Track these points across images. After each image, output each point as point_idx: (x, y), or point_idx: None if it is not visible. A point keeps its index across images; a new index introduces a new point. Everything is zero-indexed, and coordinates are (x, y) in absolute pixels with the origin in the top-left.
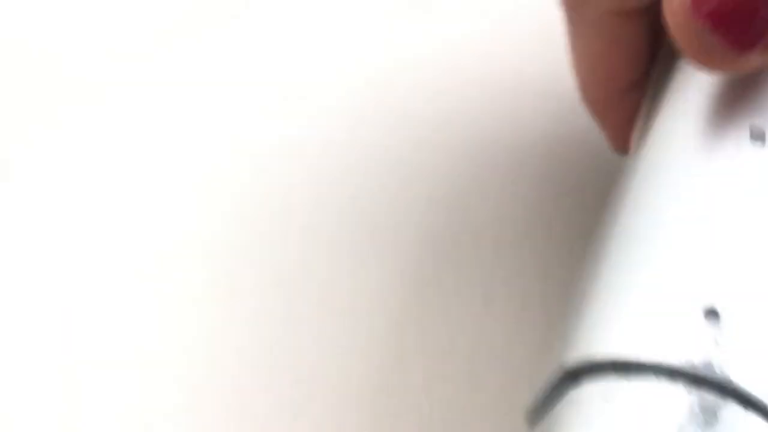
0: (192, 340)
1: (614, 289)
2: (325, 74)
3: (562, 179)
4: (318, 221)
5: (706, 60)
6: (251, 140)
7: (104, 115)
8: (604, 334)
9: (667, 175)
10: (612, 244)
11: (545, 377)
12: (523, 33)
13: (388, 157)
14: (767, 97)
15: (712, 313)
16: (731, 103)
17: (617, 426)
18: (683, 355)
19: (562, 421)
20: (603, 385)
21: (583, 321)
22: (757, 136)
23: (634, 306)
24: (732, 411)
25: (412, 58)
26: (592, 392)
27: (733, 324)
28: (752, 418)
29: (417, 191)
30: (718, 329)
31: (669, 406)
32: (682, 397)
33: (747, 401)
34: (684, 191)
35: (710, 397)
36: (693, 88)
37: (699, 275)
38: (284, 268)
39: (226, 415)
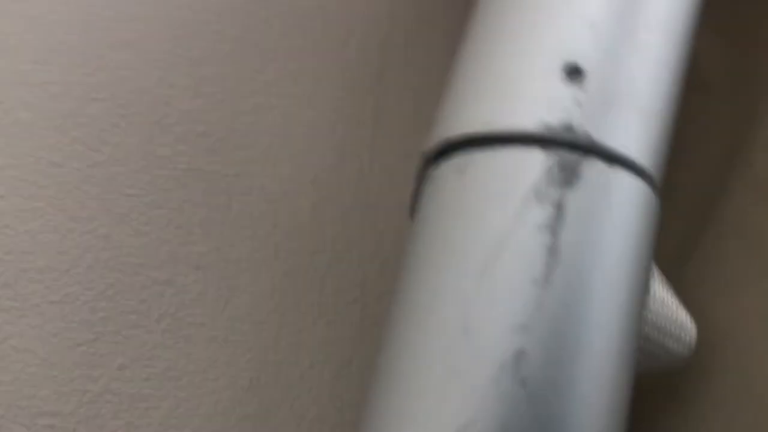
0: None
1: (471, 68)
2: None
3: None
4: None
5: None
6: None
7: None
8: (461, 113)
9: None
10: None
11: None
12: None
13: None
14: None
15: (574, 71)
16: None
17: (468, 194)
18: (539, 119)
19: (422, 201)
20: (457, 160)
21: (443, 106)
22: None
23: (489, 79)
24: (594, 167)
25: None
26: (447, 169)
27: (595, 81)
28: (618, 172)
29: None
30: (580, 88)
31: (523, 168)
32: (537, 158)
33: (611, 157)
34: None
35: (570, 156)
36: None
37: (559, 31)
38: None
39: None
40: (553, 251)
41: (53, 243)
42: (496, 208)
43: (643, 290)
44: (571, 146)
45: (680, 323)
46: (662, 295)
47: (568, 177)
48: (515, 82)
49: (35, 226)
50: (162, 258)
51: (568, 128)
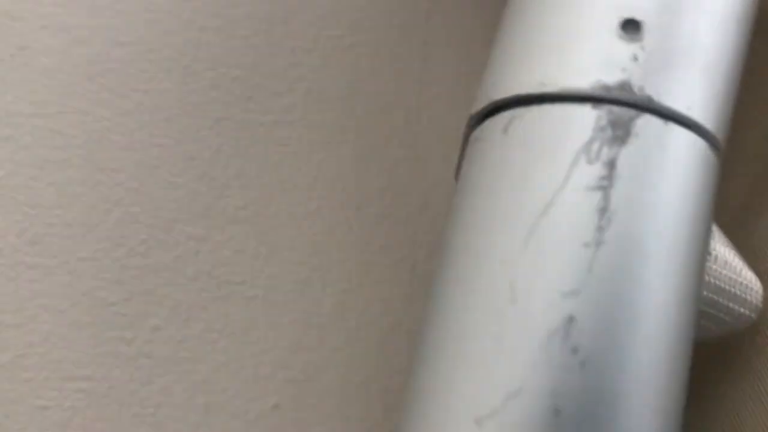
0: None
1: (520, 24)
2: None
3: None
4: None
5: None
6: None
7: None
8: (510, 74)
9: None
10: None
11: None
12: None
13: None
14: None
15: (631, 24)
16: None
17: (513, 153)
18: (595, 79)
19: (466, 162)
20: (503, 117)
21: (491, 65)
22: None
23: (540, 36)
24: (650, 124)
25: None
26: (491, 127)
27: (654, 36)
28: (675, 130)
29: None
30: (638, 44)
31: (572, 126)
32: (589, 116)
33: (668, 114)
34: None
35: (625, 114)
36: None
37: None
38: None
39: None
40: (604, 212)
41: (81, 196)
42: (543, 168)
43: (702, 252)
44: (627, 104)
45: (745, 284)
46: (725, 255)
47: (621, 135)
48: (569, 39)
49: (61, 178)
50: (196, 212)
51: (625, 86)
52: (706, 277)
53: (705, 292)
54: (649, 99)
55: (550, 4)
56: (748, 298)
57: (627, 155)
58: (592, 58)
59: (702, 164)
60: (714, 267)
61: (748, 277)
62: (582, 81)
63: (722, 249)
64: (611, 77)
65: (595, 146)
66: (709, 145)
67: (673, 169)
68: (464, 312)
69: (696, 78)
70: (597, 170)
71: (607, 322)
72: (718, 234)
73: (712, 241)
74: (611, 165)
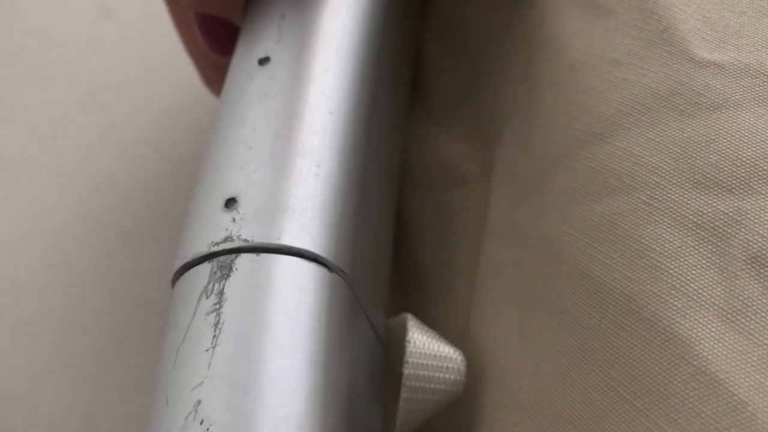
0: None
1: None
2: None
3: None
4: None
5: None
6: None
7: None
8: (181, 244)
9: (225, 96)
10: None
11: None
12: None
13: None
14: None
15: (231, 201)
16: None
17: (174, 303)
18: (208, 240)
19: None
20: (178, 282)
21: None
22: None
23: (187, 218)
24: (245, 259)
25: None
26: (176, 287)
27: (246, 203)
28: (264, 258)
29: None
30: (235, 211)
31: (197, 278)
32: (205, 268)
33: (259, 248)
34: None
35: (226, 258)
36: None
37: (220, 174)
38: None
39: None
40: (217, 325)
41: None
42: (182, 313)
43: (360, 347)
44: (229, 251)
45: (444, 356)
46: (421, 340)
47: (226, 272)
48: (194, 219)
49: None
50: None
51: (228, 239)
52: (409, 370)
53: (414, 383)
54: (245, 241)
55: (193, 194)
56: (451, 365)
57: (231, 285)
58: (205, 228)
59: (299, 277)
60: (414, 354)
61: (446, 351)
62: (201, 246)
63: (418, 335)
64: (218, 236)
65: (210, 286)
66: (304, 260)
67: (268, 286)
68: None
69: (284, 217)
70: (211, 300)
71: (227, 398)
72: (413, 323)
73: (408, 333)
74: (220, 294)
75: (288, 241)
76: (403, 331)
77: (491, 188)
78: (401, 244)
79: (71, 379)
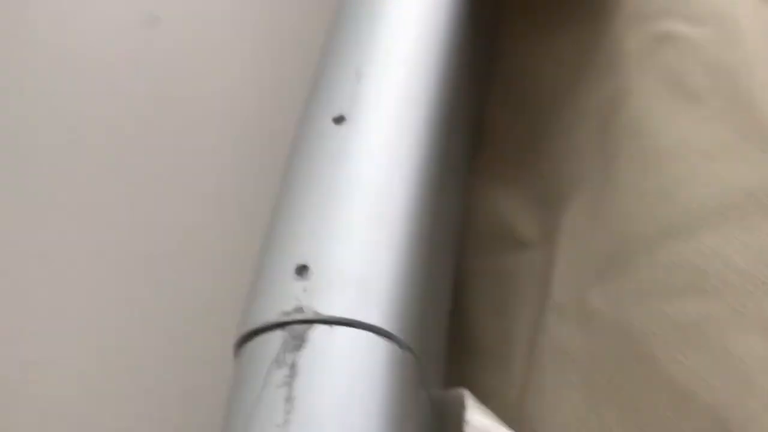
0: None
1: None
2: None
3: None
4: None
5: None
6: None
7: None
8: (244, 312)
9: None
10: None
11: None
12: None
13: None
14: None
15: (302, 269)
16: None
17: (238, 373)
18: (278, 308)
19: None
20: (241, 350)
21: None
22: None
23: (253, 283)
24: (318, 330)
25: None
26: (238, 357)
27: (318, 272)
28: (337, 330)
29: None
30: (307, 280)
31: (268, 347)
32: (277, 336)
33: (332, 321)
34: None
35: (300, 328)
36: None
37: (292, 239)
38: None
39: None
40: (289, 400)
41: None
42: (252, 379)
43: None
44: (301, 321)
45: None
46: (480, 421)
47: (299, 343)
48: (264, 285)
49: None
50: None
51: (299, 310)
52: None
53: None
54: (316, 312)
55: (259, 261)
56: None
57: (304, 356)
58: (276, 296)
59: (371, 353)
60: None
61: None
62: (270, 314)
63: (476, 417)
64: (289, 305)
65: (282, 356)
66: (376, 335)
67: (342, 361)
68: None
69: (355, 289)
70: (283, 371)
71: None
72: (472, 402)
73: (467, 412)
74: (293, 366)
75: (360, 315)
76: (460, 407)
77: (555, 257)
78: (456, 306)
79: None
